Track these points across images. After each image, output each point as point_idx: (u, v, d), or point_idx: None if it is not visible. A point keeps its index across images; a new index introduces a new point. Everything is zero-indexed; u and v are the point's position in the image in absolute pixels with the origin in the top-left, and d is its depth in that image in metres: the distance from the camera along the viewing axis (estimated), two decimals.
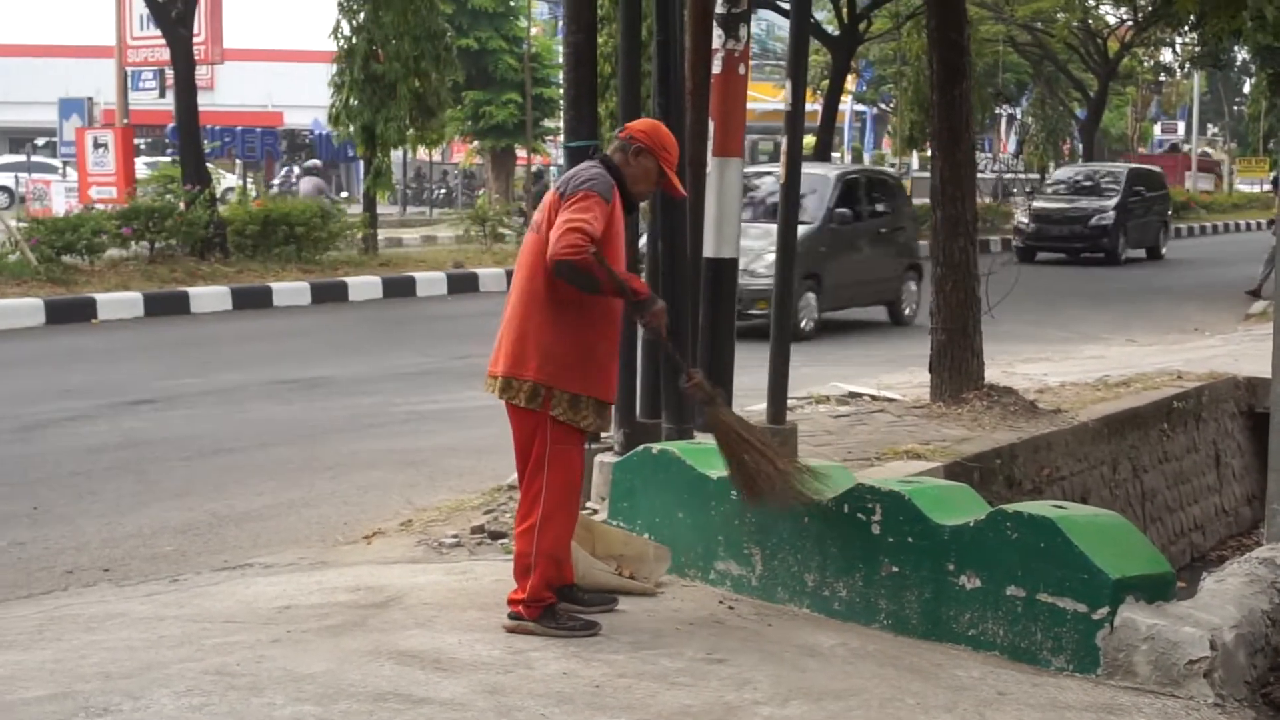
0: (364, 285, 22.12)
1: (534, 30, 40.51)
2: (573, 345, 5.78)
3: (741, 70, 8.07)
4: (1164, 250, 33.79)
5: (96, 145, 26.22)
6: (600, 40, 9.11)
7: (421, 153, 35.53)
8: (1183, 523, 12.08)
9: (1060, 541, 5.38)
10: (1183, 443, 12.15)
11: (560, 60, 39.42)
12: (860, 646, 5.73)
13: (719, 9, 8.06)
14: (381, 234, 27.14)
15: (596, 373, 5.85)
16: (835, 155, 44.90)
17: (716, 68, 8.07)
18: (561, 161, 37.18)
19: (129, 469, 9.85)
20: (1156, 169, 38.19)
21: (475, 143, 43.39)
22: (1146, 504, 11.44)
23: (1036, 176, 45.15)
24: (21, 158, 44.69)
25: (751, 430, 6.13)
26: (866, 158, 67.42)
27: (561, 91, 41.00)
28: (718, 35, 8.06)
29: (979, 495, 6.21)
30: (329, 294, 21.52)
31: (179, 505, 8.89)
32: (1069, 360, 15.18)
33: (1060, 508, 5.71)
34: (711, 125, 8.11)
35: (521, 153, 40.12)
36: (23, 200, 32.98)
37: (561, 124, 43.81)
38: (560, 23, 51.13)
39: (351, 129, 24.77)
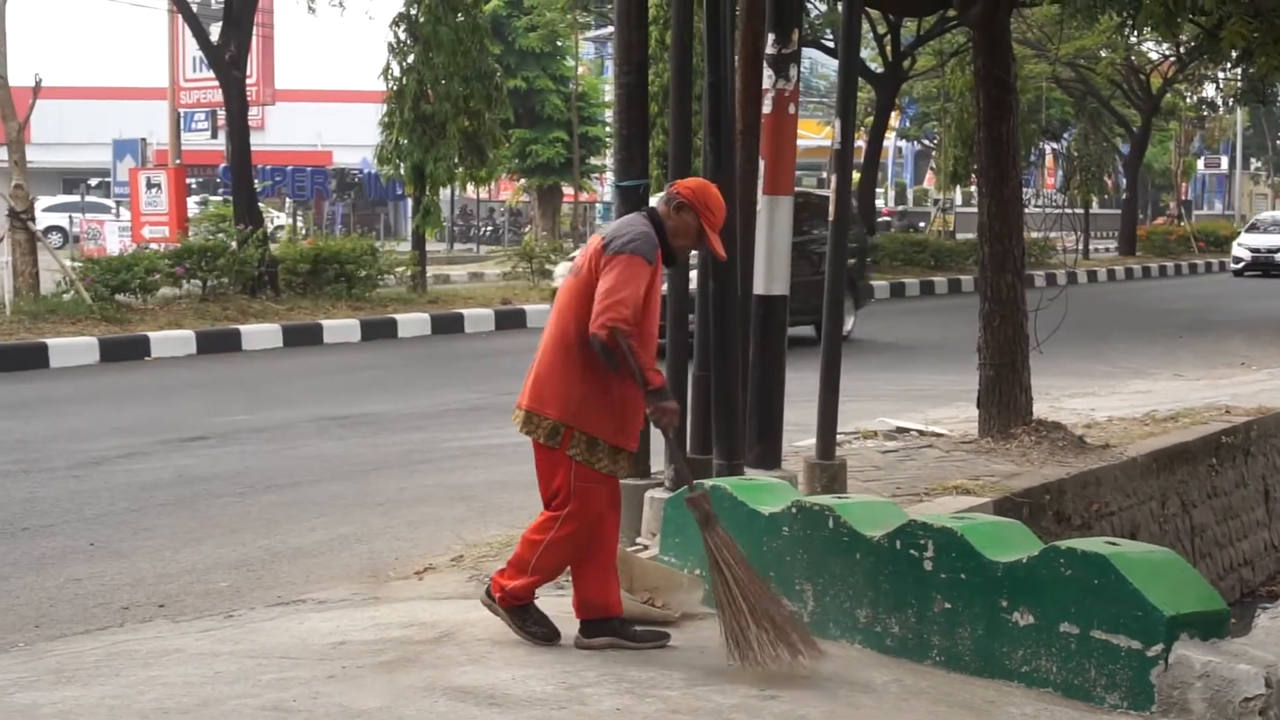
0: (413, 322, 22.26)
1: (580, 70, 40.70)
2: (595, 390, 5.94)
3: (791, 110, 8.12)
4: None
5: (150, 185, 26.44)
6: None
7: (469, 190, 35.74)
8: (1232, 558, 12.03)
9: (1114, 578, 5.38)
10: (1231, 477, 12.11)
11: (606, 99, 39.83)
12: (913, 683, 5.74)
13: (769, 49, 8.12)
14: (430, 271, 27.29)
15: (617, 419, 6.01)
16: (879, 190, 44.93)
17: (767, 107, 8.13)
18: (607, 199, 37.42)
19: (183, 505, 9.93)
20: None
21: (522, 180, 43.60)
22: (1195, 539, 11.40)
23: (1081, 211, 44.94)
24: (76, 198, 45.18)
25: (740, 567, 5.97)
26: (909, 193, 67.44)
27: (607, 130, 41.44)
28: (768, 75, 8.12)
29: (1031, 531, 6.21)
30: (379, 331, 21.67)
31: (233, 541, 8.95)
32: (1115, 395, 15.14)
33: (1113, 544, 5.70)
34: (762, 164, 8.16)
35: (568, 190, 40.31)
36: (77, 240, 33.32)
37: (607, 161, 44.27)
38: (606, 63, 51.51)
39: (401, 168, 24.94)
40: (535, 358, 6.11)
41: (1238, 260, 41.16)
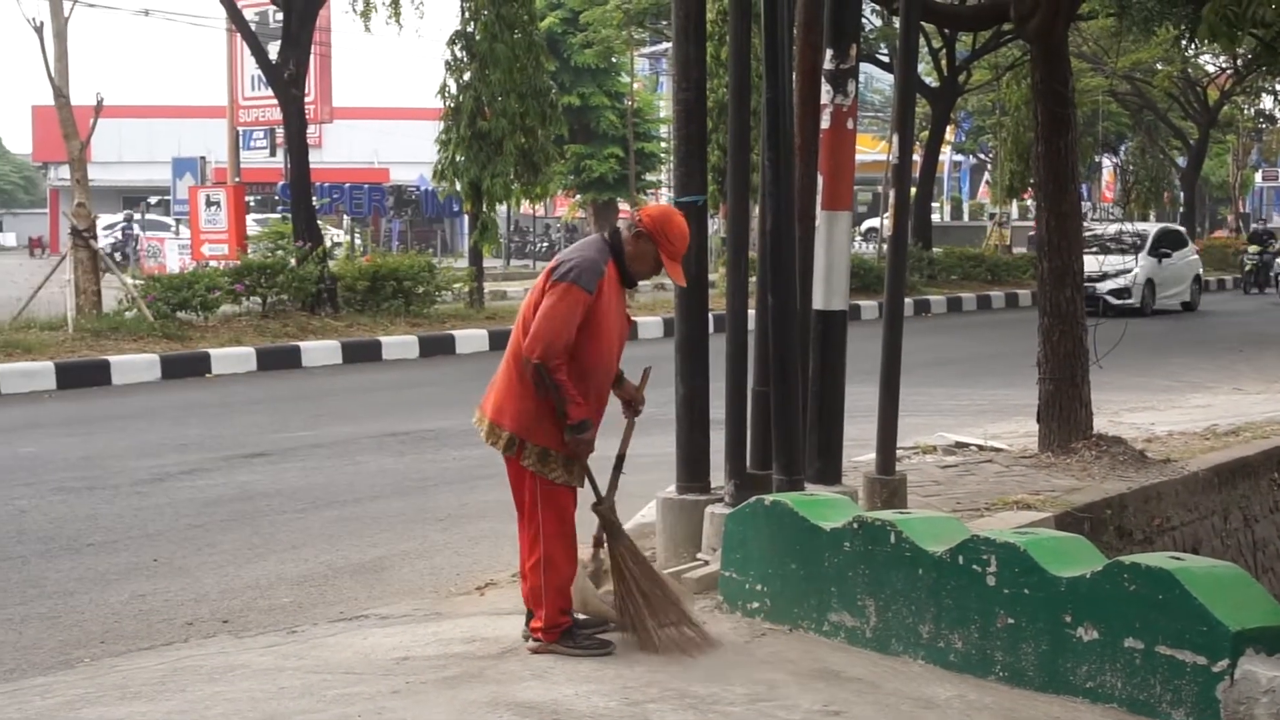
0: (471, 338, 22.34)
1: (635, 86, 40.79)
2: (546, 406, 6.21)
3: (850, 125, 8.13)
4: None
5: (209, 203, 26.71)
6: None
7: (524, 206, 35.86)
8: None
9: (1179, 593, 5.36)
10: None
11: (661, 115, 39.86)
12: (977, 699, 5.72)
13: (827, 64, 8.13)
14: (487, 287, 27.41)
15: (553, 431, 6.25)
16: (934, 205, 44.82)
17: (825, 122, 8.13)
18: None
19: (245, 521, 9.99)
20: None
21: (577, 196, 43.73)
22: (1258, 554, 11.30)
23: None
24: (137, 216, 45.66)
25: (642, 568, 6.57)
26: (965, 207, 67.22)
27: (662, 145, 41.46)
28: (826, 90, 8.13)
29: (1094, 546, 6.18)
30: (437, 347, 21.77)
31: (294, 557, 9.01)
32: (1175, 409, 15.03)
33: (1177, 559, 5.67)
34: (820, 179, 8.16)
35: (624, 205, 40.38)
36: (137, 258, 33.63)
37: (663, 177, 44.31)
38: (661, 79, 51.60)
39: (458, 185, 25.05)
40: (498, 369, 6.43)
41: None
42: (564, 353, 6.09)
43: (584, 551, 6.70)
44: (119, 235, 41.73)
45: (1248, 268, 38.99)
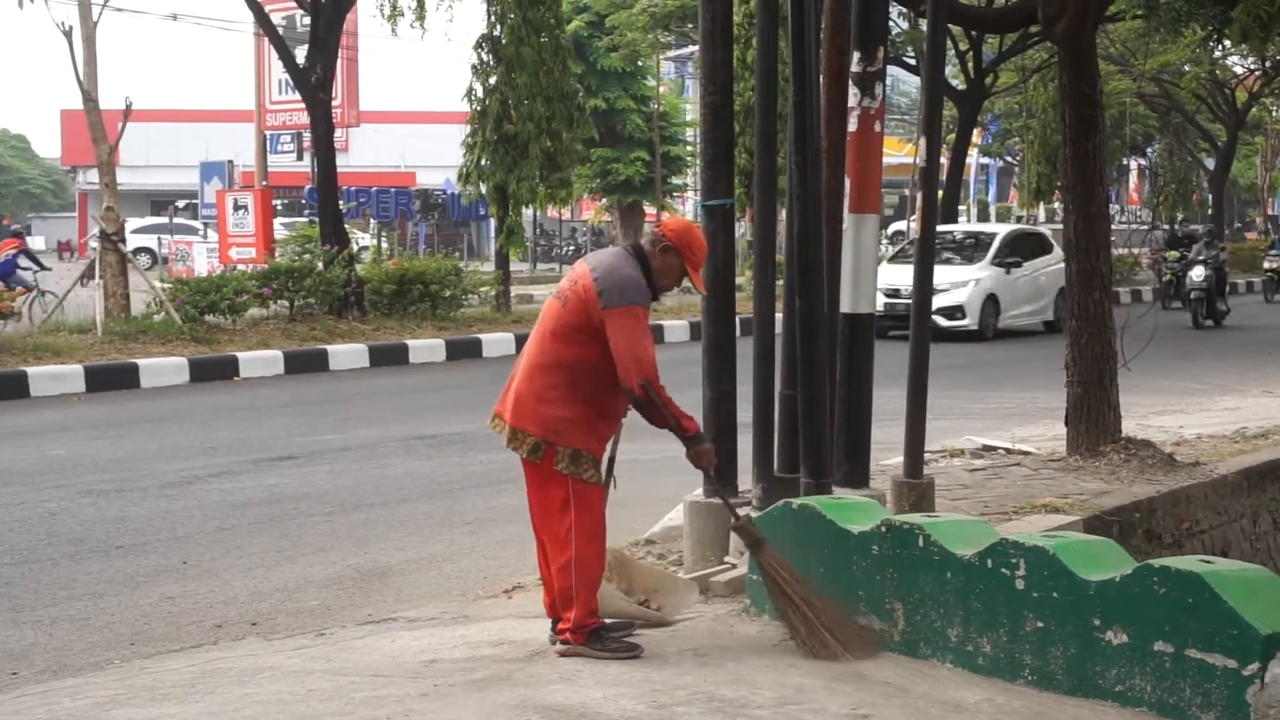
0: (498, 341, 22.38)
1: (661, 89, 40.81)
2: (575, 412, 6.27)
3: (877, 127, 8.11)
4: None
5: (236, 207, 26.79)
6: None
7: (551, 211, 35.95)
8: None
9: (1209, 596, 5.33)
10: None
11: (687, 118, 39.85)
12: (1005, 702, 5.71)
13: (854, 67, 8.12)
14: (513, 291, 27.45)
15: (595, 433, 6.35)
16: (961, 208, 44.75)
17: (852, 125, 8.12)
18: (690, 217, 37.37)
19: (273, 524, 10.03)
20: None
21: (603, 200, 43.76)
22: None
23: (1166, 228, 44.69)
24: (164, 220, 45.76)
25: (795, 581, 6.51)
26: (992, 210, 67.11)
27: (688, 149, 41.42)
28: (853, 93, 8.12)
29: (1124, 550, 6.17)
30: (464, 351, 21.82)
31: (322, 560, 9.04)
32: (1204, 412, 14.98)
33: (1207, 562, 5.64)
34: (847, 182, 8.16)
35: (650, 209, 40.42)
36: (165, 261, 33.74)
37: (689, 180, 44.24)
38: (687, 82, 51.57)
39: (483, 188, 25.09)
40: (515, 373, 6.47)
41: None
42: (655, 368, 6.20)
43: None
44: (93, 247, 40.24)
45: (1166, 277, 31.34)
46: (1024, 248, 26.40)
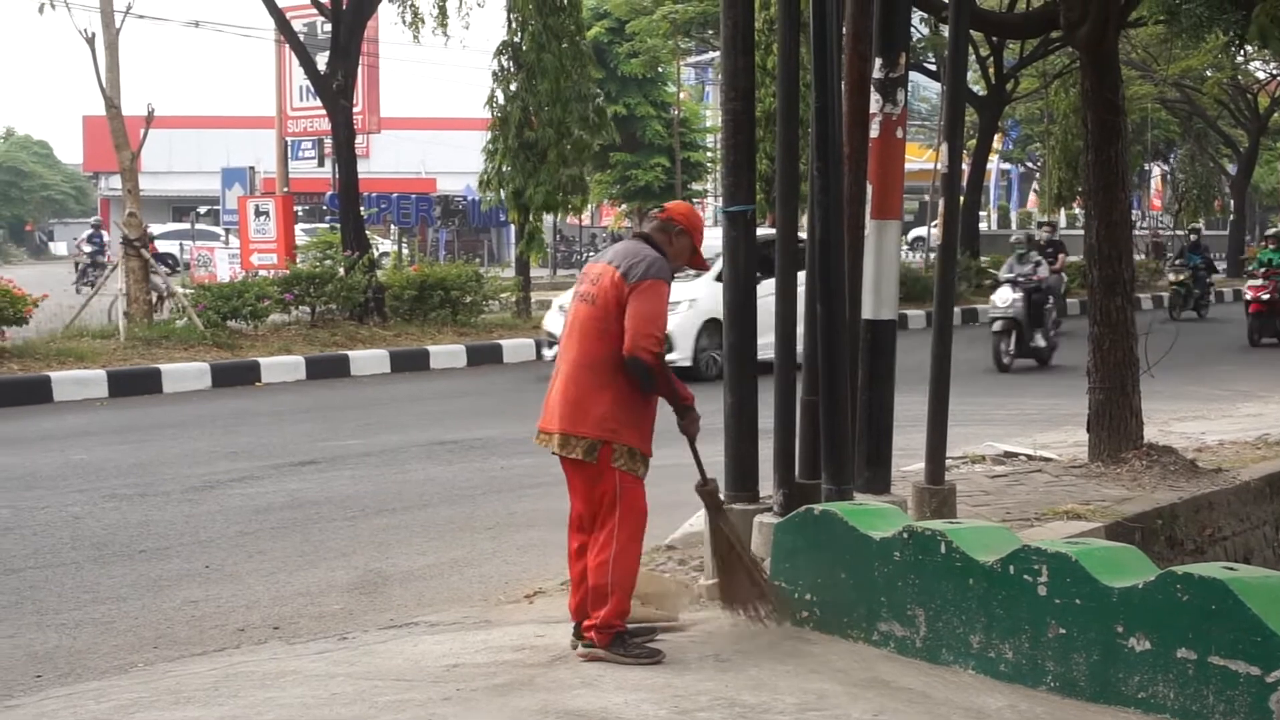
0: (518, 347, 22.41)
1: (681, 95, 40.83)
2: (626, 407, 6.37)
3: (899, 134, 8.12)
4: None
5: (258, 213, 26.84)
6: None
7: (570, 217, 35.96)
8: None
9: (1232, 604, 5.33)
10: None
11: (706, 124, 39.80)
12: (1028, 709, 5.71)
13: (876, 73, 8.13)
14: (534, 296, 27.48)
15: (644, 429, 6.47)
16: (982, 214, 44.69)
17: (874, 131, 8.12)
18: (712, 222, 37.23)
19: (295, 528, 10.05)
20: None
21: (623, 205, 43.80)
22: None
23: (1185, 233, 44.61)
24: (186, 226, 45.88)
25: (743, 544, 6.97)
26: (1013, 216, 67.00)
27: (708, 155, 41.38)
28: (875, 99, 8.12)
29: (1146, 557, 6.16)
30: (484, 356, 21.85)
31: (344, 564, 9.05)
32: (1226, 418, 14.94)
33: (1230, 569, 5.63)
34: (869, 188, 8.16)
35: None
36: (187, 267, 33.84)
37: (708, 186, 44.22)
38: (707, 88, 51.55)
39: (503, 194, 25.13)
40: (556, 383, 6.50)
41: None
42: (663, 341, 6.32)
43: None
44: (85, 251, 38.40)
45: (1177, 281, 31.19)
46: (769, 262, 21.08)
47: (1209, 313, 31.43)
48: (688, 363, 18.58)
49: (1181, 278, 30.70)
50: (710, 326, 18.26)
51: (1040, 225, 30.55)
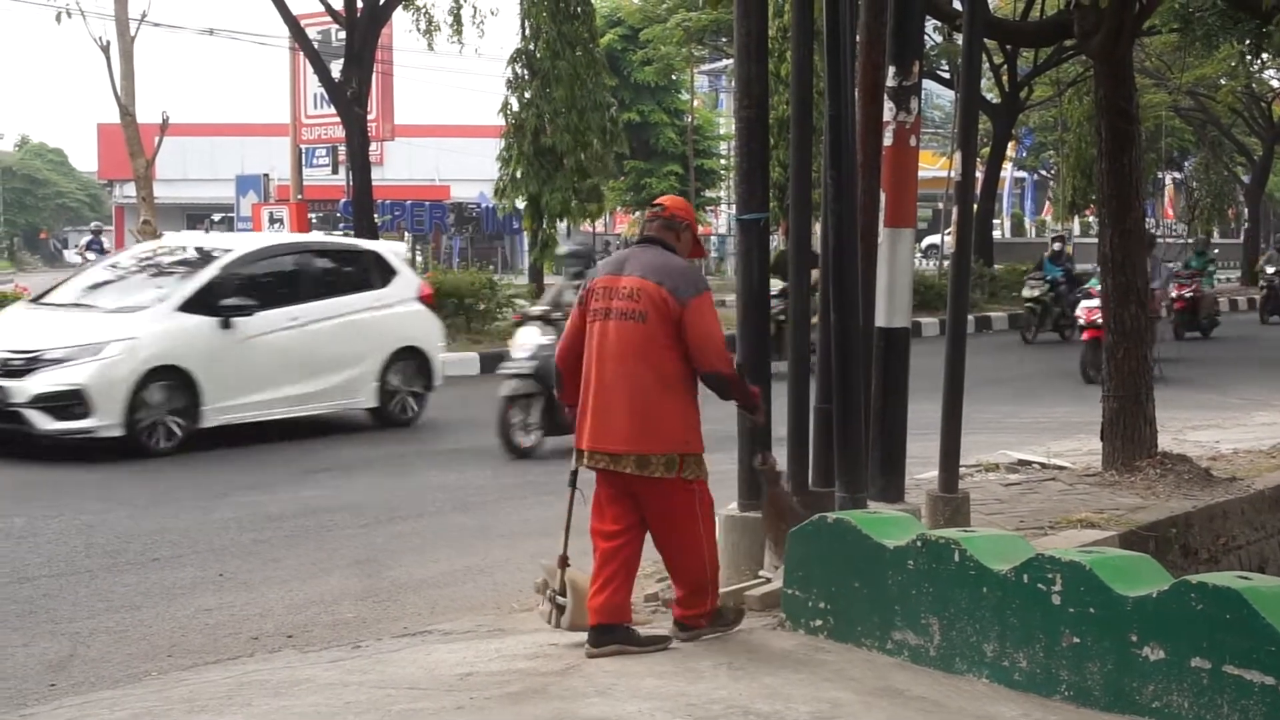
0: None
1: (695, 103, 40.82)
2: (694, 416, 6.65)
3: (912, 142, 8.12)
4: None
5: (272, 220, 26.92)
6: None
7: (585, 225, 35.96)
8: None
9: (1246, 613, 5.31)
10: None
11: (720, 132, 39.74)
12: (1042, 718, 5.70)
13: (889, 82, 8.13)
14: None
15: (701, 434, 6.71)
16: (995, 221, 44.66)
17: (887, 140, 8.13)
18: (723, 231, 37.15)
19: (308, 536, 10.06)
20: None
21: (637, 213, 43.80)
22: None
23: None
24: (199, 233, 45.91)
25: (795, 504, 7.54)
26: (1028, 223, 66.91)
27: (722, 163, 41.30)
28: (888, 108, 8.13)
29: (1160, 566, 6.15)
30: (497, 364, 21.75)
31: (358, 572, 9.06)
32: (1240, 427, 14.91)
33: (1245, 578, 5.62)
34: (883, 196, 8.16)
35: None
36: None
37: (721, 194, 44.17)
38: (720, 96, 51.51)
39: (518, 202, 25.16)
40: (610, 401, 6.56)
41: None
42: None
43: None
44: (88, 259, 37.66)
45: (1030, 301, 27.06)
46: (303, 280, 15.43)
47: (1075, 334, 25.19)
48: (116, 429, 13.13)
49: (1036, 294, 26.60)
50: (157, 378, 13.42)
51: (1054, 236, 30.29)
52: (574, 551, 7.09)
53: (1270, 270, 33.12)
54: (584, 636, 6.72)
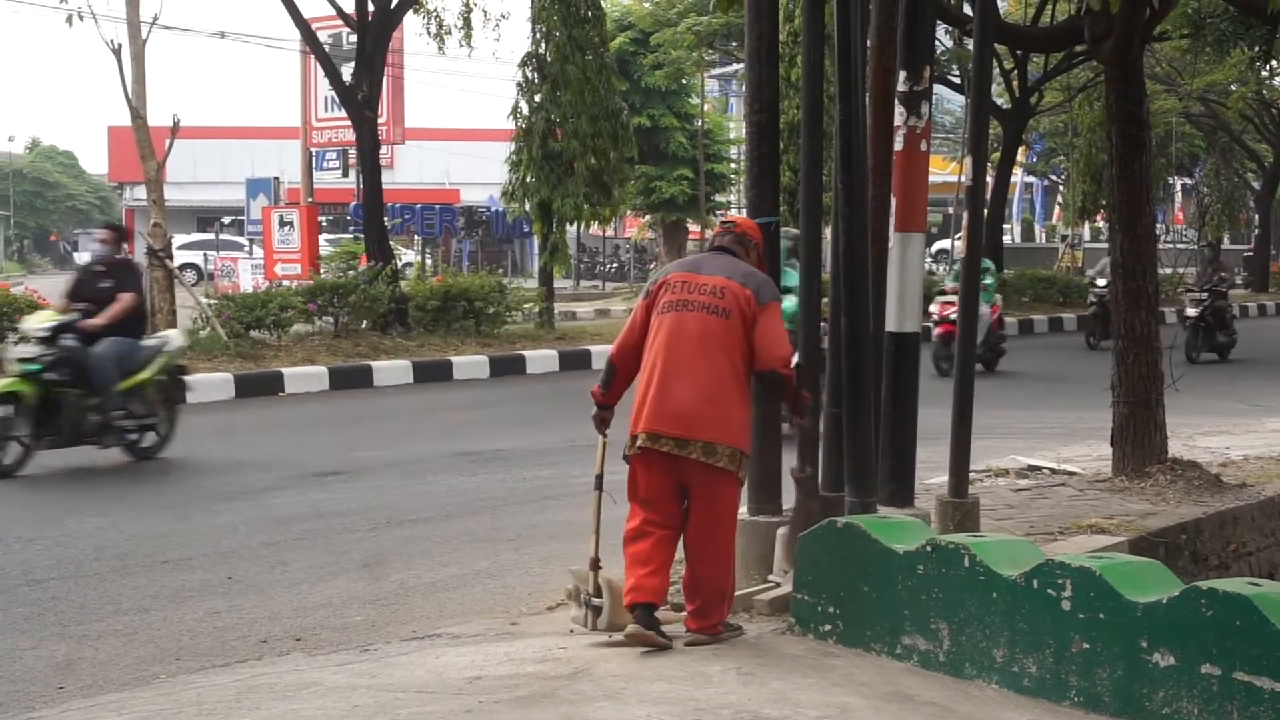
0: (541, 358, 22.42)
1: (705, 107, 40.80)
2: (750, 416, 6.80)
3: (923, 146, 8.12)
4: None
5: (282, 223, 26.93)
6: None
7: (595, 228, 36.01)
8: None
9: (1257, 619, 5.30)
10: None
11: (730, 136, 39.74)
12: None
13: (900, 86, 8.12)
14: (557, 308, 27.50)
15: None
16: (1005, 227, 44.59)
17: (898, 144, 8.13)
18: None
19: (317, 539, 10.05)
20: None
21: (647, 217, 43.80)
22: None
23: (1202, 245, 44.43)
24: (210, 236, 45.99)
25: None
26: (1037, 229, 66.84)
27: (732, 167, 41.29)
28: (899, 112, 8.12)
29: (1171, 572, 6.13)
30: (507, 367, 21.86)
31: (367, 575, 9.05)
32: (1251, 433, 14.88)
33: (1255, 584, 5.61)
34: (893, 201, 8.15)
35: (693, 226, 40.40)
36: (211, 277, 33.91)
37: (731, 198, 44.17)
38: (731, 100, 51.50)
39: (528, 205, 25.16)
40: (690, 387, 6.59)
41: None
42: None
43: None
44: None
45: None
46: None
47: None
48: None
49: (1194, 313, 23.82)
50: None
51: (1063, 239, 30.21)
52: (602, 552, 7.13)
53: (1102, 283, 24.70)
54: (598, 638, 6.80)
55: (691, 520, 6.71)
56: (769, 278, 6.92)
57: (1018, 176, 55.27)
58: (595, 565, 7.02)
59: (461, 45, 25.54)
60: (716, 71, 46.32)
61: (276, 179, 34.41)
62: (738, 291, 6.65)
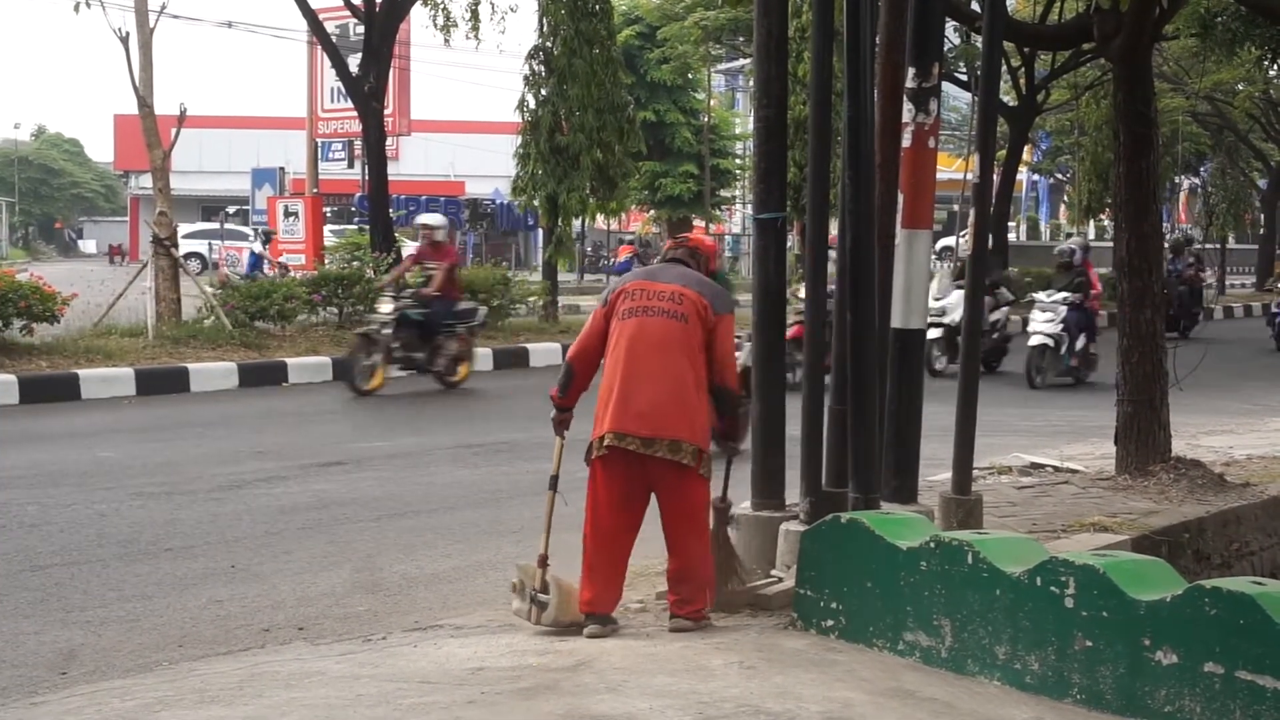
0: (545, 351, 22.42)
1: (711, 102, 40.79)
2: (708, 416, 7.00)
3: (931, 143, 8.12)
4: None
5: (287, 214, 26.94)
6: None
7: (599, 222, 36.01)
8: None
9: (1260, 618, 5.30)
10: None
11: (736, 132, 39.70)
12: None
13: (909, 83, 8.12)
14: (561, 301, 27.49)
15: None
16: (1010, 224, 44.58)
17: (906, 141, 8.12)
18: (737, 230, 37.14)
19: (321, 529, 10.06)
20: None
21: (651, 211, 43.80)
22: None
23: (1216, 247, 44.35)
24: (215, 225, 46.01)
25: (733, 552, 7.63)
26: (1043, 226, 66.84)
27: (737, 163, 41.26)
28: (907, 109, 8.12)
29: (1174, 570, 6.14)
30: (511, 360, 21.87)
31: (370, 566, 9.06)
32: (1254, 433, 14.88)
33: (1259, 583, 5.61)
34: (901, 197, 8.15)
35: (698, 222, 40.41)
36: (215, 266, 33.91)
37: (736, 194, 44.13)
38: (737, 95, 51.49)
39: (535, 199, 25.16)
40: (654, 387, 6.87)
41: None
42: None
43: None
44: None
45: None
46: None
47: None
48: None
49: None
50: None
51: (1069, 239, 30.13)
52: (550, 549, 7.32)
53: (940, 302, 20.57)
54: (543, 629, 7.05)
55: (666, 519, 7.00)
56: (723, 289, 7.19)
57: (1023, 174, 55.21)
58: (543, 562, 7.22)
59: (468, 38, 25.56)
60: (723, 66, 46.24)
61: (282, 169, 34.46)
62: (694, 299, 6.94)
